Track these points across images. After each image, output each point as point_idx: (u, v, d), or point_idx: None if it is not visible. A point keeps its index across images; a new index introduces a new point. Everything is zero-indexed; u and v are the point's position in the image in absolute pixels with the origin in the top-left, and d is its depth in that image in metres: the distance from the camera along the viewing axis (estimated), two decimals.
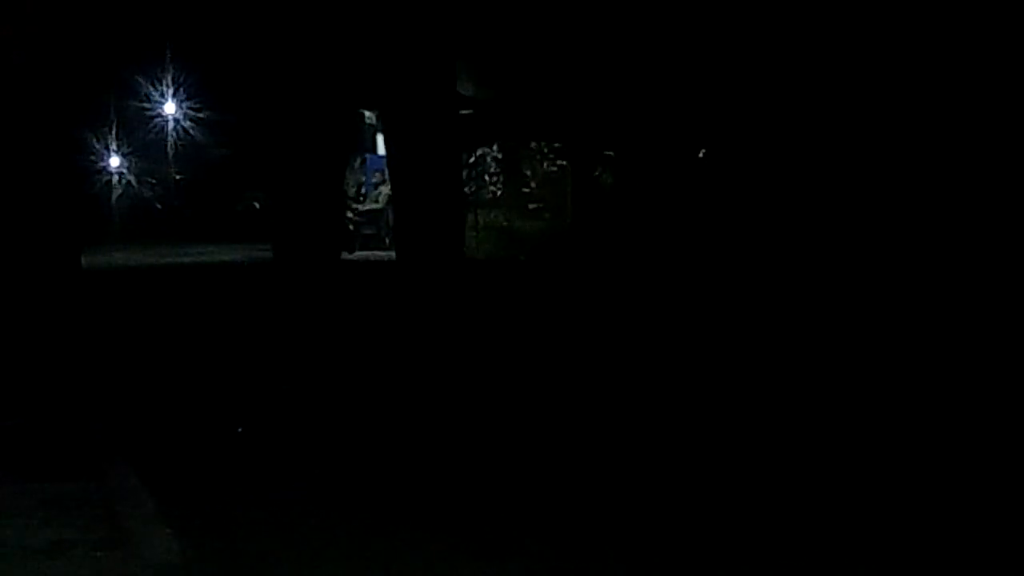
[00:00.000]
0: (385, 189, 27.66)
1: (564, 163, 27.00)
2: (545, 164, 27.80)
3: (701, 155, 24.44)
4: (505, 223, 25.34)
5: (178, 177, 37.80)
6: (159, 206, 37.39)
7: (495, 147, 27.96)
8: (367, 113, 28.82)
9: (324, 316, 12.05)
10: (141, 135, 37.30)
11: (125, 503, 5.76)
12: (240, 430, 7.56)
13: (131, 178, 36.33)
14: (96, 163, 36.85)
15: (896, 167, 18.42)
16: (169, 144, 38.39)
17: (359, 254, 25.85)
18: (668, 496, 5.90)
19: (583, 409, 8.07)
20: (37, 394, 8.79)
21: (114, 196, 36.32)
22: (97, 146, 36.98)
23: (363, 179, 28.33)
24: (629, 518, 5.50)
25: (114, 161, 36.92)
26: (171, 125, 38.37)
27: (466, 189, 28.07)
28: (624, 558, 4.96)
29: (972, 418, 7.37)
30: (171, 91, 38.05)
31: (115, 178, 36.55)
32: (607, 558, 4.96)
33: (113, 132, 37.24)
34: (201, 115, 37.36)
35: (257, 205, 33.36)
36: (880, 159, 18.81)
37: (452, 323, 10.91)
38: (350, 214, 27.23)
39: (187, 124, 37.80)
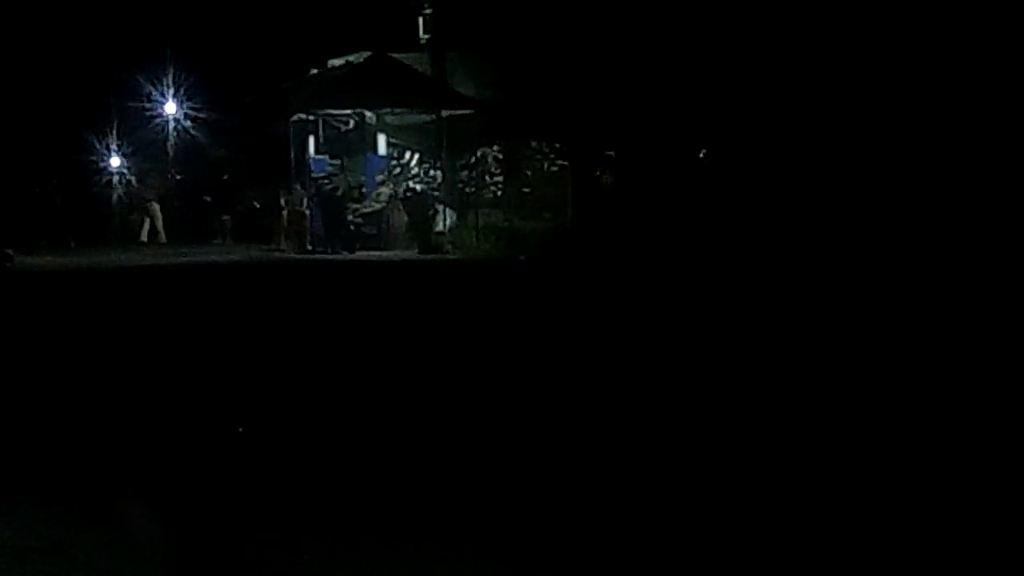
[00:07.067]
0: (386, 189, 27.61)
1: (565, 163, 27.01)
2: (546, 164, 27.80)
3: (702, 155, 24.48)
4: (505, 223, 25.31)
5: (179, 177, 37.76)
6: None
7: (496, 147, 27.94)
8: (367, 114, 28.78)
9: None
10: (141, 135, 37.29)
11: None
12: (241, 430, 7.56)
13: (132, 178, 36.33)
14: (97, 163, 36.89)
15: (896, 166, 18.43)
16: (169, 144, 38.38)
17: (360, 254, 25.87)
18: (669, 497, 5.91)
19: (579, 409, 8.08)
20: None
21: (114, 196, 36.32)
22: (98, 146, 37.02)
23: (364, 179, 28.27)
24: (629, 520, 5.51)
25: (115, 161, 36.94)
26: (171, 125, 38.35)
27: (467, 189, 28.10)
28: (625, 561, 4.99)
29: (972, 418, 7.38)
30: (171, 91, 38.05)
31: (115, 178, 36.54)
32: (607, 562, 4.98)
33: (114, 132, 37.24)
34: (202, 115, 37.34)
35: (257, 205, 33.35)
36: (880, 159, 18.83)
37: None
38: (351, 215, 27.21)
39: (187, 124, 37.79)
